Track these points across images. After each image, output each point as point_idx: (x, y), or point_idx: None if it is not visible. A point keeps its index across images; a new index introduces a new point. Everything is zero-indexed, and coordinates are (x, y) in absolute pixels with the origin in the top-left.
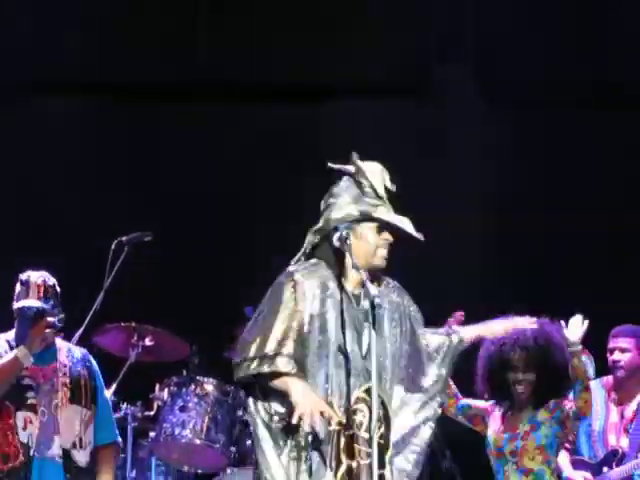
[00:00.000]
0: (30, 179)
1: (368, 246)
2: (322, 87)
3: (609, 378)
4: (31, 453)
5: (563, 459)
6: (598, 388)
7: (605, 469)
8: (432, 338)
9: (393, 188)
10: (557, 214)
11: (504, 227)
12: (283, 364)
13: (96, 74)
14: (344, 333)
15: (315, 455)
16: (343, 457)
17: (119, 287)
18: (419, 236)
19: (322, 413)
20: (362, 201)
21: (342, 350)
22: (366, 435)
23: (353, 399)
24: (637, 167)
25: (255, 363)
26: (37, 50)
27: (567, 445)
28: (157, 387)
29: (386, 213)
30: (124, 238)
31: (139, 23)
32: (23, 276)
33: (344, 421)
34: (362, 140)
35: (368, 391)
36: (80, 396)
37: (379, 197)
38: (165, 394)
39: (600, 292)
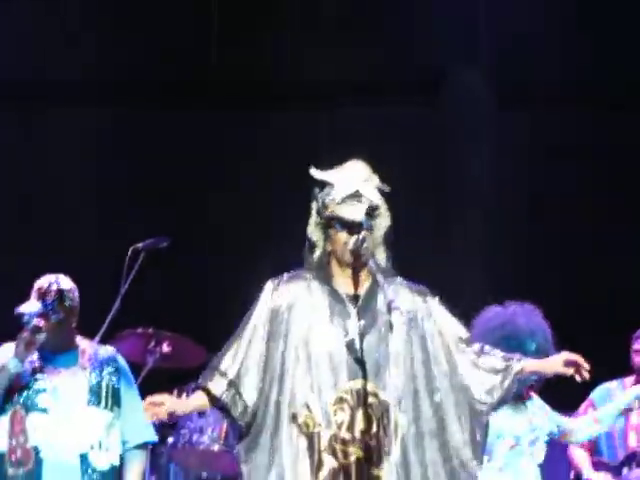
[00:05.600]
0: (46, 184)
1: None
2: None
3: (630, 379)
4: (42, 456)
5: (583, 460)
6: (619, 389)
7: (625, 470)
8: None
9: (371, 183)
10: (574, 212)
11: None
12: (213, 384)
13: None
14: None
15: (286, 456)
16: (325, 458)
17: (136, 293)
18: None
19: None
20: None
21: (320, 349)
22: (347, 435)
23: (333, 399)
24: None
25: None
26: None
27: (587, 445)
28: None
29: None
30: (140, 244)
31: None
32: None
33: (318, 421)
34: (369, 143)
35: (352, 391)
36: (100, 399)
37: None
38: None
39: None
